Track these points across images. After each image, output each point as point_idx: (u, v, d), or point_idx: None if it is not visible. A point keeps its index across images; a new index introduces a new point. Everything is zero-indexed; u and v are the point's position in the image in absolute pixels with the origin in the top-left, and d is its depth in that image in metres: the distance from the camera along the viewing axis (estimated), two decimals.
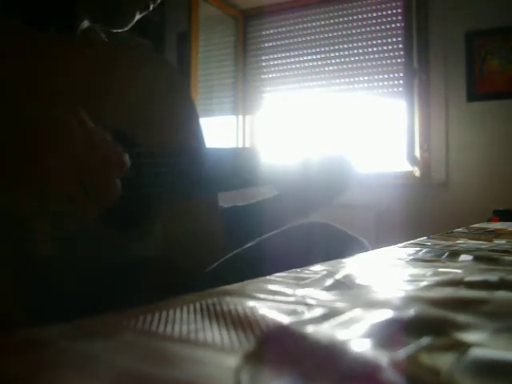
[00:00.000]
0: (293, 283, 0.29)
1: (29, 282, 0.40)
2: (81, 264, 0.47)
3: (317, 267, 0.34)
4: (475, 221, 0.99)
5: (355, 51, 2.79)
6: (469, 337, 0.18)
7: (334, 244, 0.54)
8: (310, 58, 2.93)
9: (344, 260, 0.39)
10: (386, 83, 2.70)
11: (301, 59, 2.96)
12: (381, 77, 2.72)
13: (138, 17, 0.56)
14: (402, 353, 0.17)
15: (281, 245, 0.58)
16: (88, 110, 0.51)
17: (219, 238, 0.65)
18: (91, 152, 0.39)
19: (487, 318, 0.21)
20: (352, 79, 2.80)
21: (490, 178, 2.41)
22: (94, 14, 0.55)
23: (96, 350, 0.17)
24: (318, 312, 0.22)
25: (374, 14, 2.76)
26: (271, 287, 0.27)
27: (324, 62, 2.89)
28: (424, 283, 0.29)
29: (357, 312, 0.22)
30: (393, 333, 0.19)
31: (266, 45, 3.10)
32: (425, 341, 0.18)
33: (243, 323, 0.20)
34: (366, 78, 2.76)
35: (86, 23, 0.55)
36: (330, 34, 2.88)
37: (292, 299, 0.24)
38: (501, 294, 0.26)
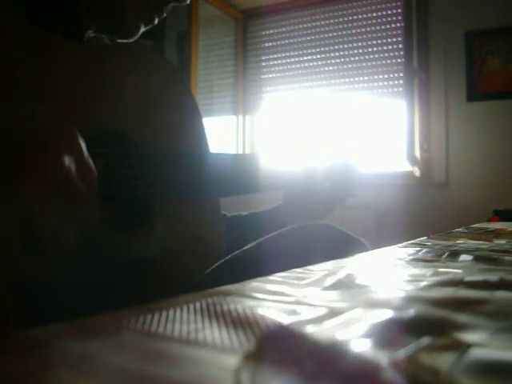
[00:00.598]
0: (293, 283, 0.29)
1: (28, 282, 0.40)
2: (81, 263, 0.47)
3: (317, 267, 0.34)
4: (475, 221, 0.99)
5: (355, 51, 2.79)
6: (469, 337, 0.18)
7: (334, 245, 0.54)
8: (309, 57, 2.93)
9: (344, 260, 0.39)
10: (385, 83, 2.70)
11: (301, 59, 2.96)
12: (381, 77, 2.72)
13: (142, 29, 0.56)
14: (401, 353, 0.17)
15: (281, 246, 0.58)
16: (89, 110, 0.51)
17: (220, 241, 0.65)
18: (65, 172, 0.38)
19: (487, 318, 0.21)
20: (352, 79, 2.80)
21: (490, 178, 2.41)
22: (98, 24, 0.55)
23: (96, 350, 0.17)
24: (318, 312, 0.22)
25: (374, 14, 2.76)
26: (271, 287, 0.27)
27: (324, 62, 2.89)
28: (424, 283, 0.29)
29: (357, 312, 0.22)
30: (393, 333, 0.19)
31: (266, 45, 3.10)
32: (425, 341, 0.18)
33: (243, 323, 0.20)
34: (365, 77, 2.76)
35: (91, 33, 0.55)
36: (330, 34, 2.88)
37: (292, 299, 0.24)
38: (501, 294, 0.26)
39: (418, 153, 2.57)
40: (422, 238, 0.56)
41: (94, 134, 0.49)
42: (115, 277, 0.49)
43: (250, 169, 0.61)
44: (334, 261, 0.38)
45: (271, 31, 3.08)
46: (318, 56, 2.91)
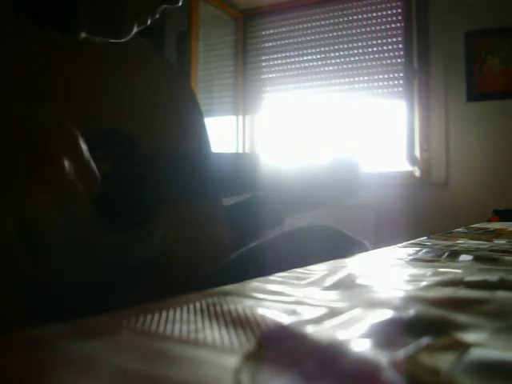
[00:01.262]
0: (293, 283, 0.29)
1: (29, 282, 0.40)
2: (81, 264, 0.47)
3: (317, 267, 0.34)
4: (475, 221, 0.99)
5: (355, 51, 2.79)
6: (469, 337, 0.18)
7: (335, 247, 0.53)
8: (309, 58, 2.93)
9: (344, 260, 0.39)
10: (385, 83, 2.70)
11: (301, 59, 2.96)
12: (381, 77, 2.72)
13: (135, 30, 0.56)
14: (401, 353, 0.16)
15: (281, 248, 0.58)
16: (89, 110, 0.51)
17: (221, 241, 0.65)
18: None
19: (487, 318, 0.21)
20: (352, 79, 2.80)
21: (490, 178, 2.42)
22: (94, 24, 0.55)
23: (96, 350, 0.17)
24: (318, 312, 0.22)
25: (374, 14, 2.76)
26: (271, 287, 0.27)
27: (324, 62, 2.89)
28: (424, 283, 0.29)
29: (357, 312, 0.22)
30: (393, 333, 0.19)
31: (266, 45, 3.10)
32: (425, 341, 0.18)
33: (243, 323, 0.20)
34: (365, 78, 2.76)
35: (84, 34, 0.55)
36: (330, 34, 2.88)
37: (292, 299, 0.24)
38: (501, 294, 0.26)
39: (418, 153, 2.57)
40: (421, 238, 0.56)
41: (95, 134, 0.49)
42: (115, 277, 0.49)
43: (250, 167, 0.61)
44: (334, 261, 0.38)
45: (271, 31, 3.08)
46: (318, 56, 2.91)
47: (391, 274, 0.33)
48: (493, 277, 0.31)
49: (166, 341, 0.18)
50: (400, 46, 2.67)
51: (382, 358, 0.16)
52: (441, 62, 2.57)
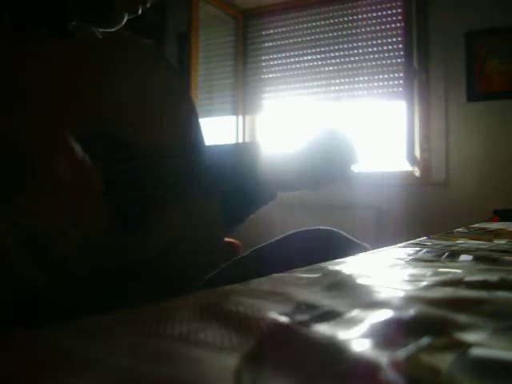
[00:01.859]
0: (293, 283, 0.29)
1: (30, 286, 0.40)
2: (80, 265, 0.46)
3: (317, 267, 0.34)
4: (475, 221, 0.99)
5: (355, 51, 2.79)
6: (469, 337, 0.18)
7: (337, 250, 0.53)
8: (309, 58, 2.93)
9: (344, 260, 0.39)
10: (385, 83, 2.70)
11: (301, 59, 2.96)
12: (381, 77, 2.71)
13: (125, 18, 0.56)
14: (401, 353, 0.16)
15: (283, 252, 0.58)
16: (83, 111, 0.51)
17: (220, 241, 0.65)
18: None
19: (487, 318, 0.21)
20: (352, 79, 2.80)
21: (490, 178, 2.41)
22: (84, 14, 0.54)
23: (96, 350, 0.17)
24: (318, 312, 0.22)
25: (374, 14, 2.76)
26: (271, 287, 0.27)
27: (324, 62, 2.89)
28: (424, 283, 0.29)
29: (357, 312, 0.22)
30: (393, 333, 0.19)
31: (266, 45, 3.10)
32: (425, 341, 0.18)
33: (243, 323, 0.20)
34: (365, 78, 2.76)
35: (75, 23, 0.55)
36: (330, 34, 2.89)
37: (292, 299, 0.24)
38: (501, 294, 0.26)
39: (418, 153, 2.57)
40: (421, 238, 0.56)
41: (92, 135, 0.49)
42: (114, 278, 0.49)
43: (248, 158, 0.61)
44: (334, 261, 0.38)
45: (271, 31, 3.08)
46: (318, 56, 2.91)
47: (391, 274, 0.33)
48: (493, 277, 0.31)
49: (166, 341, 0.18)
50: (400, 45, 2.67)
51: (382, 358, 0.16)
52: (441, 62, 2.57)
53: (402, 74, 2.65)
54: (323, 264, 0.36)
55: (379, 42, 2.74)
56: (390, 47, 2.71)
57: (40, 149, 0.37)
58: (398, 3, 2.69)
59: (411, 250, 0.45)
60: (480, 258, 0.39)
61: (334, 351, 0.17)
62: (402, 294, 0.26)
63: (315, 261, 0.37)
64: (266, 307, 0.23)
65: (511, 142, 2.41)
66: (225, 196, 0.64)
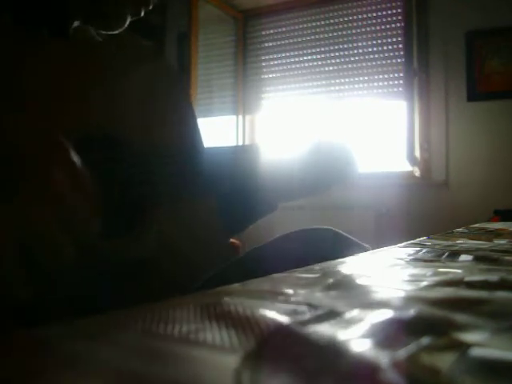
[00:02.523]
0: (293, 283, 0.29)
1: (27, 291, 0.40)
2: (76, 265, 0.46)
3: (317, 267, 0.34)
4: (475, 221, 0.99)
5: (355, 51, 2.79)
6: (469, 337, 0.18)
7: (337, 250, 0.53)
8: (309, 58, 2.93)
9: (344, 260, 0.39)
10: (385, 83, 2.70)
11: (301, 59, 2.96)
12: (381, 77, 2.72)
13: (128, 20, 0.56)
14: (402, 353, 0.16)
15: (283, 251, 0.58)
16: (80, 112, 0.51)
17: (216, 242, 0.65)
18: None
19: (487, 317, 0.21)
20: (352, 79, 2.80)
21: (490, 178, 2.42)
22: (86, 15, 0.54)
23: (95, 350, 0.17)
24: (318, 312, 0.22)
25: (374, 14, 2.76)
26: (271, 287, 0.27)
27: (324, 62, 2.89)
28: (424, 283, 0.29)
29: (357, 312, 0.22)
30: (393, 333, 0.19)
31: (266, 45, 3.10)
32: (425, 341, 0.18)
33: (243, 323, 0.20)
34: (365, 78, 2.76)
35: (76, 24, 0.55)
36: (330, 34, 2.89)
37: (292, 299, 0.24)
38: (501, 294, 0.26)
39: (418, 153, 2.57)
40: (421, 238, 0.56)
41: (90, 136, 0.49)
42: (111, 278, 0.49)
43: (247, 161, 0.60)
44: (334, 261, 0.38)
45: (271, 31, 3.09)
46: (318, 56, 2.91)
47: (391, 274, 0.33)
48: (493, 277, 0.31)
49: (166, 341, 0.18)
50: (400, 45, 2.67)
51: (382, 358, 0.16)
52: (441, 62, 2.57)
53: (402, 74, 2.65)
54: (323, 264, 0.36)
55: (379, 41, 2.74)
56: (390, 47, 2.71)
57: (35, 151, 0.37)
58: (398, 3, 2.69)
59: (411, 250, 0.45)
60: (480, 258, 0.39)
61: (334, 351, 0.17)
62: (402, 294, 0.26)
63: (315, 261, 0.37)
64: (265, 307, 0.23)
65: (511, 142, 2.41)
66: (223, 202, 0.64)
